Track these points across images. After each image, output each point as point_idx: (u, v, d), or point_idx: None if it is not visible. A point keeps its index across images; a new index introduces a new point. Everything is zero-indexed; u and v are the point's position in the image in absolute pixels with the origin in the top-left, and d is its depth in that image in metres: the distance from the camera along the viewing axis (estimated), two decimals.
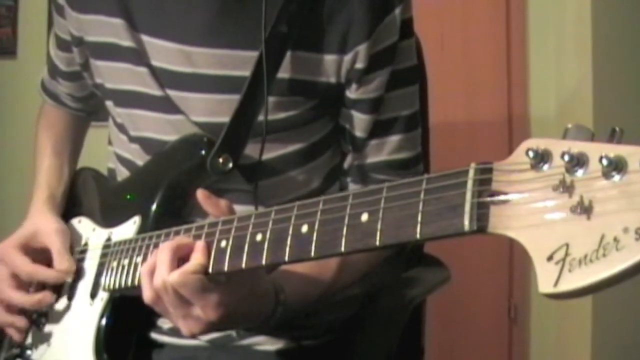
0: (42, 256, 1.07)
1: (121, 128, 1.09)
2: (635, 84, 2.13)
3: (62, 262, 1.04)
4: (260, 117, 0.95)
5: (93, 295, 1.01)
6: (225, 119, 0.96)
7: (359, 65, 0.97)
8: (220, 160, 0.95)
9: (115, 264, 0.97)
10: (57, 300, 1.07)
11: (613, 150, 0.48)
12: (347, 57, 0.97)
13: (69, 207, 1.18)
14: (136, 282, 0.91)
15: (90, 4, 1.04)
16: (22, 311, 1.07)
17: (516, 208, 0.53)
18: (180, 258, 0.80)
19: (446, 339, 2.41)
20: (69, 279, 1.06)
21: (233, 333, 1.01)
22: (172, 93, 1.00)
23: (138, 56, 1.01)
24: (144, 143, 1.04)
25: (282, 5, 0.95)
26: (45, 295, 1.04)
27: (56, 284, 1.06)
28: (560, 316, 2.33)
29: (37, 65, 1.35)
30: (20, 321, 1.07)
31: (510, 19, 2.49)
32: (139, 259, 0.92)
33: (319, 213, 0.69)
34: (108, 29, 1.03)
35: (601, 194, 0.48)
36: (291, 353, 1.03)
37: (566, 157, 0.50)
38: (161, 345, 1.05)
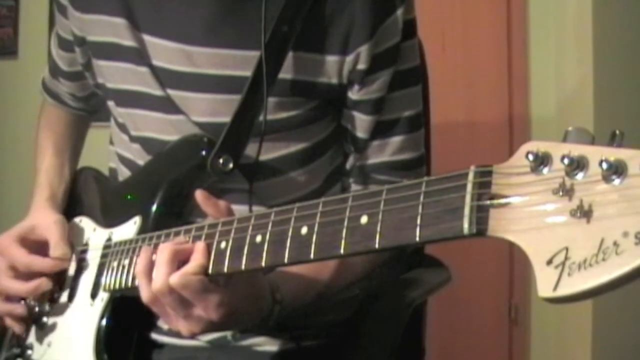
0: (40, 249, 1.07)
1: (122, 128, 1.09)
2: (636, 84, 2.13)
3: (57, 249, 1.05)
4: (261, 118, 0.95)
5: (93, 295, 1.01)
6: (226, 119, 0.96)
7: (361, 66, 0.97)
8: (221, 160, 0.95)
9: (115, 264, 0.97)
10: (57, 299, 1.07)
11: (613, 153, 0.48)
12: (349, 58, 0.97)
13: (70, 206, 1.18)
14: (136, 283, 0.91)
15: (93, 4, 1.04)
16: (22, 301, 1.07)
17: (516, 211, 0.52)
18: (180, 261, 0.80)
19: (447, 339, 2.41)
20: (70, 272, 1.06)
21: (228, 335, 1.01)
22: (173, 93, 1.00)
23: (140, 56, 1.01)
24: (145, 143, 1.04)
25: (283, 6, 0.95)
26: (42, 282, 1.03)
27: (52, 273, 1.05)
28: (561, 317, 2.33)
29: (38, 65, 1.36)
30: (19, 308, 1.06)
31: (511, 19, 2.49)
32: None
33: (318, 215, 0.68)
34: (110, 28, 1.03)
35: (601, 197, 0.48)
36: (291, 354, 1.03)
37: (566, 161, 0.50)
38: (161, 346, 1.05)
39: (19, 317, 1.07)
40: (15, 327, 1.08)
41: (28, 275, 1.06)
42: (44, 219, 1.10)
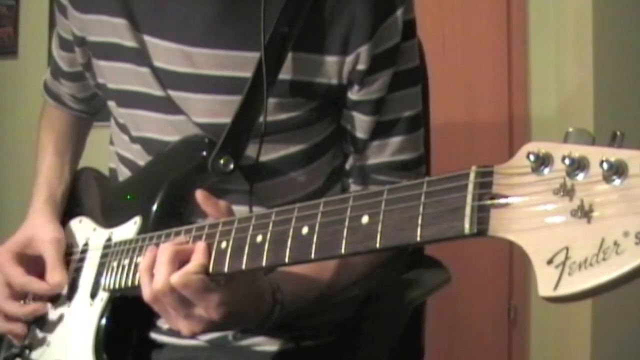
0: (37, 263, 1.07)
1: (123, 128, 1.09)
2: (637, 84, 2.13)
3: (54, 276, 1.04)
4: (262, 119, 0.96)
5: (93, 295, 1.01)
6: (227, 119, 0.96)
7: (361, 66, 0.98)
8: (222, 161, 0.95)
9: (115, 264, 0.97)
10: (57, 299, 1.07)
11: (614, 154, 0.48)
12: (349, 59, 0.97)
13: (70, 207, 1.18)
14: (136, 283, 0.91)
15: (93, 4, 1.04)
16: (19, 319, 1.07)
17: (516, 211, 0.53)
18: (180, 261, 0.80)
19: (446, 340, 2.41)
20: (70, 272, 1.06)
21: (229, 336, 1.01)
22: (173, 93, 1.00)
23: (140, 56, 1.01)
24: (146, 143, 1.05)
25: (283, 6, 0.95)
26: (39, 306, 1.04)
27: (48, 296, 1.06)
28: (560, 318, 2.33)
29: (38, 64, 1.36)
30: (18, 328, 1.06)
31: (511, 19, 2.49)
32: (140, 259, 0.91)
33: (319, 215, 0.69)
34: (111, 29, 1.03)
35: (601, 197, 0.48)
36: (290, 354, 1.03)
37: (567, 161, 0.50)
38: (161, 346, 1.05)
39: (19, 335, 1.07)
40: (14, 341, 1.09)
41: (24, 294, 1.06)
42: (41, 233, 1.09)
